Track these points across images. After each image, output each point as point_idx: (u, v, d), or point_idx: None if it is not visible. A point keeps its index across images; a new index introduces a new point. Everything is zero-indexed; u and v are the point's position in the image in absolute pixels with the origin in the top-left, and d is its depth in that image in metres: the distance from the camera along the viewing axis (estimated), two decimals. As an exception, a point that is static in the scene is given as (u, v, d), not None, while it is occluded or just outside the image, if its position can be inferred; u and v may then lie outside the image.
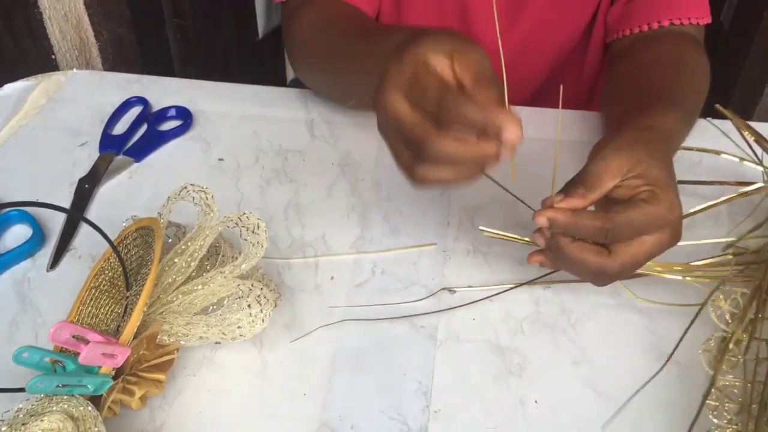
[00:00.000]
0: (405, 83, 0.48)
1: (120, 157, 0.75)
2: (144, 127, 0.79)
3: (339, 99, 0.79)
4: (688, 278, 0.59)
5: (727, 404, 0.51)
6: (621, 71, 0.77)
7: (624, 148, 0.54)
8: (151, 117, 0.80)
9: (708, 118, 0.76)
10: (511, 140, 0.46)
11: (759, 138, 0.64)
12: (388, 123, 0.49)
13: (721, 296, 0.55)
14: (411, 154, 0.49)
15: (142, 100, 0.81)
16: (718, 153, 0.66)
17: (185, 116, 0.80)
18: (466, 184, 0.50)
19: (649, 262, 0.55)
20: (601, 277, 0.54)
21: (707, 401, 0.51)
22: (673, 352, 0.56)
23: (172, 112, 0.80)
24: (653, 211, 0.52)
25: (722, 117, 0.75)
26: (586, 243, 0.53)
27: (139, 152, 0.76)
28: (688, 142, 0.71)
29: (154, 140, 0.77)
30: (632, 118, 0.61)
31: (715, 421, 0.50)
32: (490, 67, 0.49)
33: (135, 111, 0.81)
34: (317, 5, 0.78)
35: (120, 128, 0.79)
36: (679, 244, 0.54)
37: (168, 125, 0.80)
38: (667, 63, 0.73)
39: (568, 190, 0.53)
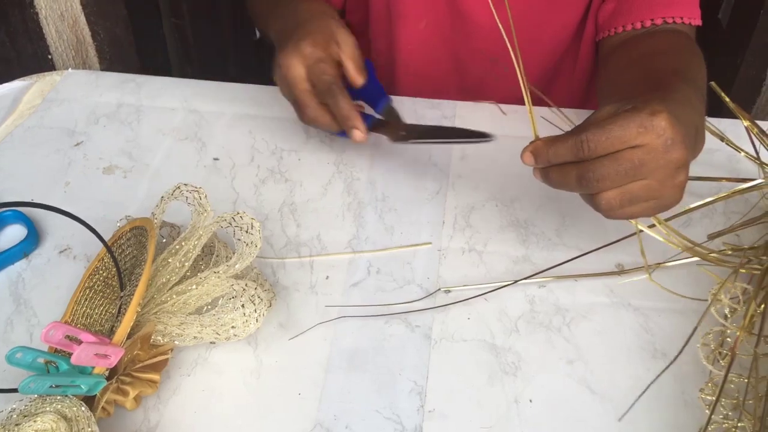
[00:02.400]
0: (311, 61, 0.67)
1: (380, 110, 0.73)
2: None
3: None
4: (711, 256, 0.57)
5: (723, 399, 0.51)
6: (621, 60, 0.77)
7: (619, 102, 0.53)
8: None
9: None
10: (354, 138, 0.67)
11: (757, 129, 0.63)
12: (283, 80, 0.68)
13: (721, 292, 0.55)
14: (296, 109, 0.69)
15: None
16: (722, 138, 0.64)
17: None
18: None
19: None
20: (587, 182, 0.51)
21: (703, 396, 0.51)
22: (679, 353, 0.56)
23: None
24: (629, 116, 0.49)
25: (717, 115, 0.75)
26: (564, 148, 0.51)
27: (381, 96, 0.73)
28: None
29: (370, 88, 0.73)
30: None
31: (719, 417, 0.50)
32: (358, 50, 0.71)
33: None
34: None
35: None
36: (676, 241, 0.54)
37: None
38: (668, 51, 0.73)
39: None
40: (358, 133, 0.66)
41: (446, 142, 0.72)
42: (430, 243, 0.66)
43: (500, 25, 0.58)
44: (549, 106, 0.81)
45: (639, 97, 0.52)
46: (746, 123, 0.62)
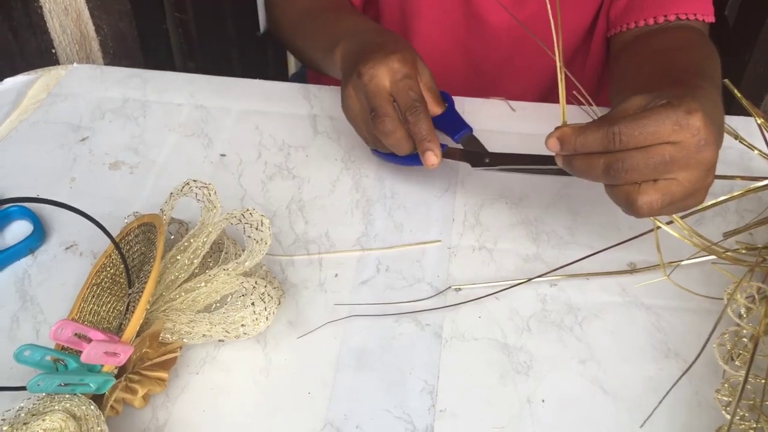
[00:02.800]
0: (398, 76, 0.63)
1: (458, 140, 0.70)
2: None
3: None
4: (727, 254, 0.57)
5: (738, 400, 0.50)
6: (635, 56, 0.75)
7: (648, 93, 0.52)
8: None
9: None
10: (427, 161, 0.63)
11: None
12: (364, 88, 0.63)
13: (737, 292, 0.54)
14: (372, 120, 0.63)
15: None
16: (735, 135, 0.63)
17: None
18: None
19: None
20: (615, 172, 0.50)
21: (719, 397, 0.50)
22: (697, 357, 0.55)
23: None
24: (665, 113, 0.48)
25: (728, 113, 0.74)
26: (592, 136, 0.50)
27: (462, 127, 0.70)
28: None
29: (450, 117, 0.71)
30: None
31: (728, 417, 0.49)
32: (434, 81, 0.69)
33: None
34: None
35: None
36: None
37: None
38: (683, 47, 0.72)
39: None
40: (432, 156, 0.62)
41: (530, 170, 0.65)
42: (440, 241, 0.65)
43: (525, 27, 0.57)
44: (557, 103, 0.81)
45: (670, 92, 0.51)
46: (760, 120, 0.61)
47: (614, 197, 0.53)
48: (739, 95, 0.63)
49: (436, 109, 0.68)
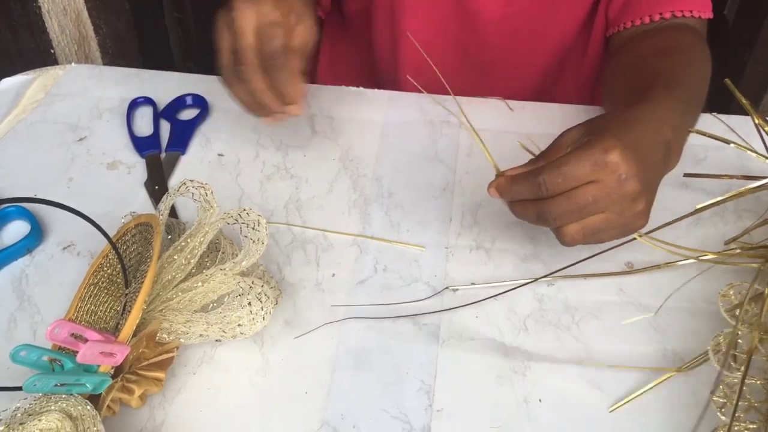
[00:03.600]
0: (266, 19, 0.60)
1: (166, 153, 0.75)
2: (164, 122, 0.79)
3: None
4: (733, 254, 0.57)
5: (733, 402, 0.50)
6: (619, 63, 0.77)
7: (582, 123, 0.56)
8: (169, 109, 0.79)
9: (713, 113, 0.75)
10: (290, 114, 0.63)
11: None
12: (230, 26, 0.62)
13: (731, 292, 0.54)
14: (233, 63, 0.62)
15: (148, 100, 0.80)
16: (728, 142, 0.64)
17: (200, 103, 0.80)
18: (250, 111, 0.65)
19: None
20: (545, 220, 0.53)
21: (715, 398, 0.50)
22: (698, 364, 0.55)
23: (188, 101, 0.80)
24: (581, 154, 0.51)
25: (726, 112, 0.74)
26: (523, 186, 0.54)
27: (180, 144, 0.75)
28: (692, 139, 0.71)
29: (185, 130, 0.77)
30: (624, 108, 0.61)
31: (723, 418, 0.49)
32: (314, 39, 0.65)
33: (145, 110, 0.80)
34: None
35: (142, 129, 0.78)
36: (686, 240, 0.53)
37: (187, 114, 0.79)
38: (664, 51, 0.72)
39: (524, 164, 0.56)
40: (295, 109, 0.63)
41: None
42: (423, 247, 0.65)
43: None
44: (555, 102, 0.81)
45: (599, 126, 0.54)
46: (758, 120, 0.61)
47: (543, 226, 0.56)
48: (738, 95, 0.63)
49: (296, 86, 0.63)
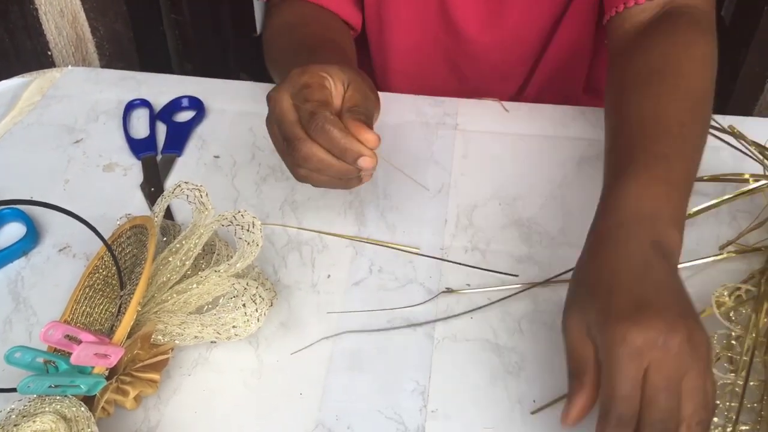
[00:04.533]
0: (296, 88, 0.56)
1: (162, 155, 0.75)
2: (160, 124, 0.79)
3: None
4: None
5: (728, 403, 0.50)
6: (612, 85, 0.67)
7: (574, 313, 0.49)
8: (165, 111, 0.80)
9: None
10: (364, 165, 0.54)
11: (761, 148, 0.63)
12: (271, 117, 0.57)
13: (725, 293, 0.54)
14: (289, 154, 0.56)
15: (144, 102, 0.80)
16: (732, 131, 0.61)
17: (197, 105, 0.80)
18: (341, 187, 0.59)
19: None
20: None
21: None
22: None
23: (185, 103, 0.81)
24: (614, 363, 0.44)
25: (722, 112, 0.74)
26: None
27: (176, 146, 0.76)
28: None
29: (181, 132, 0.77)
30: (603, 206, 0.54)
31: (715, 419, 0.49)
32: (374, 112, 0.59)
33: (142, 112, 0.80)
34: (291, 6, 0.79)
35: (138, 131, 0.78)
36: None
37: (183, 116, 0.80)
38: (655, 75, 0.62)
39: (570, 395, 0.48)
40: (367, 160, 0.54)
41: None
42: (419, 248, 0.65)
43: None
44: (553, 104, 0.81)
45: (595, 326, 0.47)
46: (750, 147, 0.61)
47: None
48: (743, 141, 0.61)
49: (364, 134, 0.55)
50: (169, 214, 0.68)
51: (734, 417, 0.49)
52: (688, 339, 0.44)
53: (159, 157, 0.75)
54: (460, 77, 0.89)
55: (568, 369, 0.48)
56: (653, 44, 0.66)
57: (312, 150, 0.54)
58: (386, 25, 0.85)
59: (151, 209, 0.68)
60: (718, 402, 0.50)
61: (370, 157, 0.54)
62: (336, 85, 0.58)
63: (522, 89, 0.91)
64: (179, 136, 0.76)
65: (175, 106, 0.80)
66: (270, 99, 0.57)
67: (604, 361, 0.45)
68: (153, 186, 0.71)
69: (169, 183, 0.72)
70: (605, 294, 0.47)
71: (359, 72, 0.62)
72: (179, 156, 0.75)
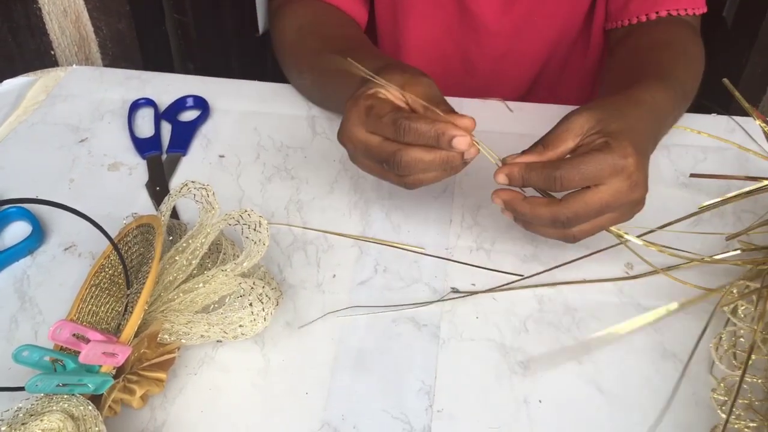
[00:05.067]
0: (362, 116, 0.57)
1: (167, 155, 0.75)
2: (165, 123, 0.79)
3: (317, 104, 0.81)
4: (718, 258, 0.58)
5: (739, 400, 0.50)
6: (616, 59, 0.79)
7: (588, 109, 0.56)
8: (170, 110, 0.80)
9: (713, 114, 0.76)
10: (460, 147, 0.54)
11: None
12: (357, 153, 0.59)
13: (734, 290, 0.54)
14: (391, 171, 0.57)
15: (149, 102, 0.80)
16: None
17: (201, 105, 0.80)
18: (452, 174, 0.58)
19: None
20: (558, 228, 0.55)
21: (715, 396, 0.50)
22: (691, 356, 0.55)
23: (189, 102, 0.81)
24: (602, 158, 0.53)
25: (726, 112, 0.74)
26: (537, 198, 0.56)
27: (181, 145, 0.76)
28: (693, 139, 0.71)
29: (186, 131, 0.77)
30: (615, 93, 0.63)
31: (723, 416, 0.49)
32: (438, 91, 0.58)
33: (146, 112, 0.80)
34: (300, 6, 0.80)
35: (143, 131, 0.78)
36: (687, 240, 0.53)
37: (188, 115, 0.80)
38: (659, 45, 0.75)
39: (527, 149, 0.57)
40: (461, 140, 0.53)
41: None
42: (424, 248, 0.65)
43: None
44: (556, 102, 0.81)
45: (611, 122, 0.55)
46: (758, 121, 0.61)
47: (550, 236, 0.58)
48: (738, 95, 0.63)
49: (459, 121, 0.55)
50: (174, 213, 0.68)
51: (740, 413, 0.49)
52: (640, 201, 0.56)
53: (164, 157, 0.75)
54: (471, 73, 0.89)
55: (546, 134, 0.57)
56: (659, 29, 0.77)
57: (411, 154, 0.55)
58: (401, 19, 0.86)
59: (156, 209, 0.68)
60: (725, 398, 0.50)
61: (462, 135, 0.54)
62: (392, 92, 0.58)
63: (532, 88, 0.92)
64: (184, 136, 0.76)
65: (179, 105, 0.80)
66: (345, 140, 0.58)
67: (593, 150, 0.54)
68: (158, 185, 0.71)
69: (174, 182, 0.72)
70: (629, 129, 0.55)
71: (399, 63, 0.63)
72: (184, 155, 0.75)
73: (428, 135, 0.54)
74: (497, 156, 0.57)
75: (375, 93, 0.58)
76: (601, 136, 0.55)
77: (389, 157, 0.55)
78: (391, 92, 0.58)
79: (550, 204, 0.55)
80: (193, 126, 0.77)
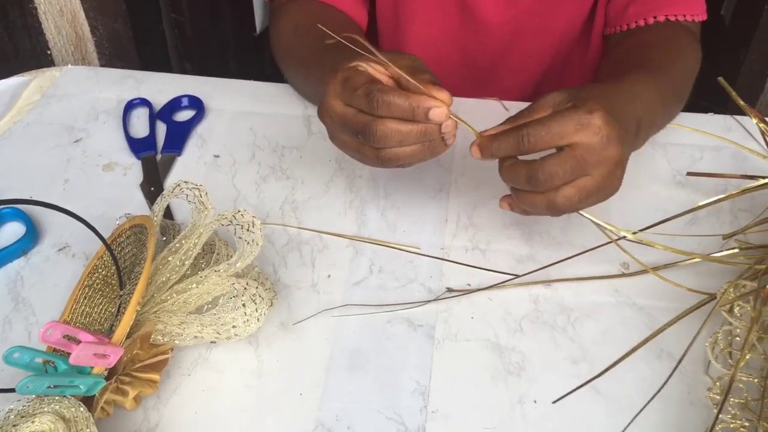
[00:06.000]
0: (338, 89, 0.56)
1: (162, 154, 0.75)
2: (159, 123, 0.79)
3: (311, 100, 0.81)
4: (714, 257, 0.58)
5: (732, 399, 0.50)
6: (608, 58, 0.80)
7: (565, 90, 0.56)
8: (165, 110, 0.80)
9: (710, 113, 0.76)
10: (436, 119, 0.53)
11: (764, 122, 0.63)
12: (334, 126, 0.57)
13: (731, 290, 0.54)
14: (367, 143, 0.55)
15: (144, 101, 0.80)
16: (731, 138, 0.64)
17: (197, 104, 0.80)
18: (433, 155, 0.57)
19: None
20: (540, 191, 0.54)
21: (711, 395, 0.50)
22: (684, 354, 0.55)
23: (184, 102, 0.80)
24: (568, 114, 0.52)
25: (723, 112, 0.74)
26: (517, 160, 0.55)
27: (176, 146, 0.76)
28: (690, 138, 0.71)
29: (181, 131, 0.77)
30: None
31: (720, 416, 0.49)
32: (424, 65, 0.58)
33: (141, 112, 0.80)
34: (299, 6, 0.79)
35: (138, 131, 0.78)
36: (681, 238, 0.53)
37: (183, 115, 0.80)
38: (652, 44, 0.75)
39: (498, 125, 0.56)
40: (437, 111, 0.53)
41: None
42: (419, 248, 0.65)
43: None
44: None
45: (582, 90, 0.56)
46: (755, 120, 0.61)
47: (536, 206, 0.56)
48: (734, 94, 0.63)
49: (435, 92, 0.54)
50: (168, 213, 0.67)
51: (735, 412, 0.49)
52: (617, 162, 0.54)
53: (159, 157, 0.74)
54: (472, 73, 0.89)
55: (519, 111, 0.56)
56: (656, 31, 0.77)
57: (385, 125, 0.53)
58: (402, 19, 0.85)
59: (150, 209, 0.68)
60: (720, 397, 0.49)
61: (438, 107, 0.53)
62: (373, 66, 0.56)
63: (532, 93, 0.91)
64: (179, 136, 0.76)
65: (174, 105, 0.80)
66: (322, 112, 0.57)
67: (558, 110, 0.54)
68: (153, 185, 0.71)
69: (169, 182, 0.72)
70: (599, 96, 0.55)
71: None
72: (179, 155, 0.75)
73: (403, 107, 0.53)
74: (477, 131, 0.57)
75: (354, 66, 0.56)
76: (569, 101, 0.55)
77: (364, 127, 0.54)
78: (373, 66, 0.56)
79: (527, 162, 0.54)
80: (188, 126, 0.77)
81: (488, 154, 0.55)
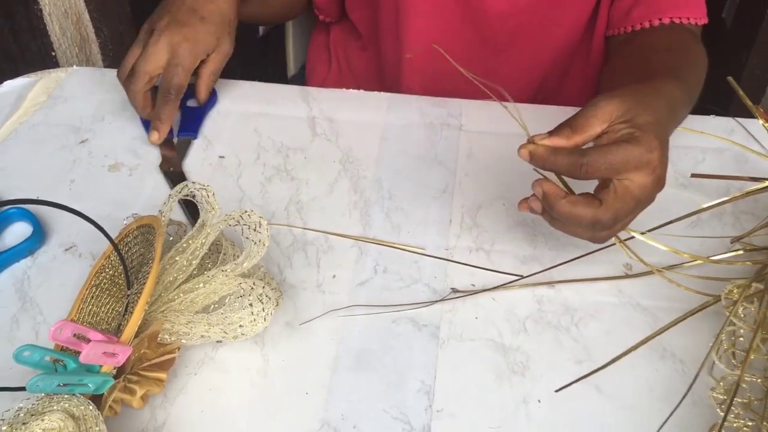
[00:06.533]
0: (175, 55, 0.73)
1: (177, 138, 0.77)
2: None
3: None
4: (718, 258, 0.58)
5: (738, 399, 0.51)
6: (618, 60, 0.80)
7: (617, 96, 0.56)
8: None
9: (712, 115, 0.76)
10: (150, 140, 0.76)
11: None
12: (142, 48, 0.73)
13: (735, 290, 0.54)
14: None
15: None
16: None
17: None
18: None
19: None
20: (597, 230, 0.55)
21: (714, 395, 0.51)
22: (701, 368, 0.55)
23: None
24: (629, 149, 0.53)
25: (725, 114, 0.74)
26: (578, 198, 0.55)
27: (191, 129, 0.77)
28: (692, 140, 0.71)
29: (196, 115, 0.79)
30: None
31: (722, 414, 0.49)
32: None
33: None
34: None
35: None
36: (684, 240, 0.54)
37: (196, 102, 0.80)
38: (664, 48, 0.75)
39: (554, 130, 0.56)
40: (155, 135, 0.74)
41: None
42: (423, 249, 0.65)
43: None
44: (558, 103, 0.81)
45: (638, 113, 0.55)
46: (761, 121, 0.61)
47: (579, 236, 0.57)
48: (741, 93, 0.63)
49: (201, 96, 0.77)
50: (194, 208, 0.66)
51: (738, 412, 0.49)
52: (654, 199, 0.56)
53: (175, 140, 0.76)
54: (474, 64, 0.89)
55: (574, 118, 0.56)
56: (664, 34, 0.78)
57: (143, 98, 0.75)
58: (403, 15, 0.86)
59: (171, 188, 0.70)
60: (724, 397, 0.50)
61: (159, 138, 0.75)
62: (206, 63, 0.77)
63: (534, 95, 0.92)
64: (194, 119, 0.78)
65: (187, 93, 0.79)
66: (156, 32, 0.73)
67: (621, 140, 0.54)
68: (173, 167, 0.74)
69: (186, 164, 0.74)
70: (656, 123, 0.55)
71: None
72: (195, 138, 0.76)
73: (160, 113, 0.75)
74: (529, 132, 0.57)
75: (201, 55, 0.76)
76: (629, 126, 0.54)
77: (136, 78, 0.73)
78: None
79: (591, 205, 0.54)
80: (203, 110, 0.79)
81: (539, 164, 0.55)
